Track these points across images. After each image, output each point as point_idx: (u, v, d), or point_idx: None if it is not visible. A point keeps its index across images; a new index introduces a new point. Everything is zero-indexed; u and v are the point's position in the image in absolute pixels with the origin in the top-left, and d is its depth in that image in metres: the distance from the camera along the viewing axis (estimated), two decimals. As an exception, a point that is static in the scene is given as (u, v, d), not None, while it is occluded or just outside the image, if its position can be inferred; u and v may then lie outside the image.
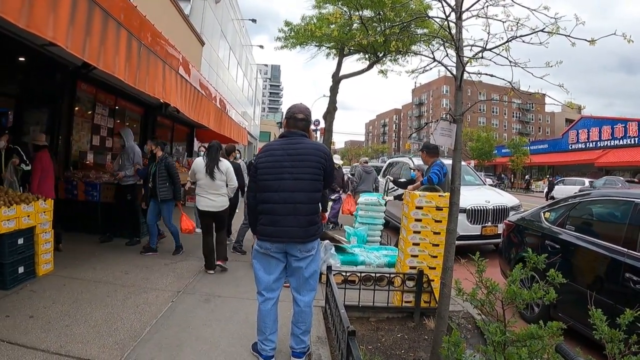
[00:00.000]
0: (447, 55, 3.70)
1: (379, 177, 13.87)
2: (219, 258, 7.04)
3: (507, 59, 3.26)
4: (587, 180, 32.98)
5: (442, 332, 3.41)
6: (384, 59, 18.70)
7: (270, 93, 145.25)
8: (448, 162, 7.12)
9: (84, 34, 4.17)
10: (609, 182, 29.77)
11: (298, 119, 3.95)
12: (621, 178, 31.76)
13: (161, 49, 6.22)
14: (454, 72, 3.42)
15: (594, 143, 45.58)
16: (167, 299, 5.44)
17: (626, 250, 4.44)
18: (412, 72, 4.03)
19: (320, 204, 6.02)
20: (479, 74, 3.50)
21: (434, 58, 3.55)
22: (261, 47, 39.69)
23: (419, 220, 5.39)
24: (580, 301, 4.77)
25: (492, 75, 3.40)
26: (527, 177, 52.06)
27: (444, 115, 3.70)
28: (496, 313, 2.59)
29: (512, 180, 52.84)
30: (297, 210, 3.71)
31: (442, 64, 3.53)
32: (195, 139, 18.21)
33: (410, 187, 7.12)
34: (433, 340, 3.60)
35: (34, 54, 7.20)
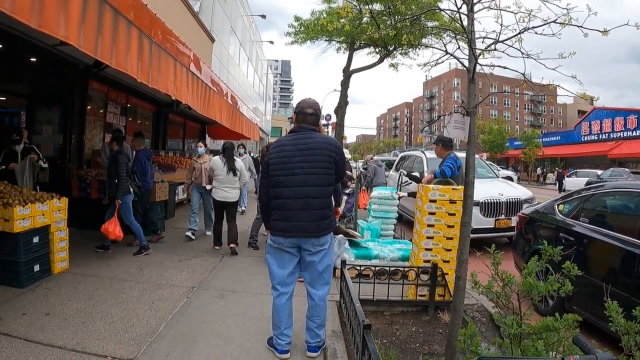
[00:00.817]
0: (459, 47, 3.68)
1: (391, 171, 13.83)
2: (231, 242, 7.89)
3: (519, 50, 3.22)
4: (599, 172, 32.81)
5: (457, 325, 3.39)
6: (395, 52, 18.60)
7: (281, 89, 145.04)
8: (462, 155, 7.07)
9: (96, 33, 4.17)
10: (615, 174, 30.42)
11: (307, 114, 3.95)
12: (627, 170, 32.09)
13: (172, 46, 6.23)
14: (467, 65, 3.39)
15: (606, 134, 45.13)
16: (182, 295, 5.47)
17: None
18: (424, 65, 4.00)
19: (332, 198, 6.05)
20: (491, 66, 3.47)
21: (446, 51, 3.51)
22: (271, 42, 39.81)
23: (433, 213, 5.38)
24: (595, 294, 4.72)
25: (504, 67, 3.36)
26: (539, 169, 51.64)
27: (456, 108, 3.66)
28: (512, 305, 2.57)
29: (521, 172, 52.39)
30: (309, 205, 3.73)
31: (455, 57, 3.50)
32: (207, 135, 18.27)
33: (424, 180, 7.10)
34: (448, 333, 3.58)
35: (44, 54, 7.26)
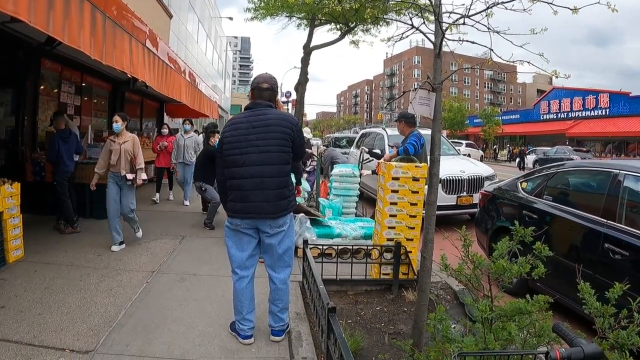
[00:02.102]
0: (424, 22, 3.60)
1: (352, 148, 13.76)
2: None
3: (487, 27, 3.16)
4: (545, 150, 34.44)
5: (424, 306, 3.37)
6: (356, 29, 18.46)
7: (241, 66, 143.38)
8: (425, 132, 7.06)
9: (47, 8, 3.96)
10: (559, 151, 33.00)
11: (263, 89, 3.80)
12: (570, 147, 34.77)
13: (127, 22, 5.98)
14: (433, 40, 3.31)
15: (565, 114, 46.20)
16: (141, 280, 5.32)
17: (605, 220, 4.42)
18: (389, 40, 3.91)
19: (293, 177, 5.95)
20: (460, 41, 3.39)
21: (412, 25, 3.42)
22: (230, 19, 38.99)
23: (396, 191, 5.33)
24: (558, 271, 4.78)
25: (473, 42, 3.29)
26: (496, 147, 52.71)
27: (421, 84, 3.57)
28: (482, 288, 2.53)
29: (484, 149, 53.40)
30: (265, 185, 3.60)
31: (421, 31, 3.42)
32: (165, 114, 17.84)
33: (386, 156, 7.06)
34: (415, 314, 3.57)
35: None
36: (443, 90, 3.53)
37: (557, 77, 3.11)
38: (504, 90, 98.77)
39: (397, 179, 5.33)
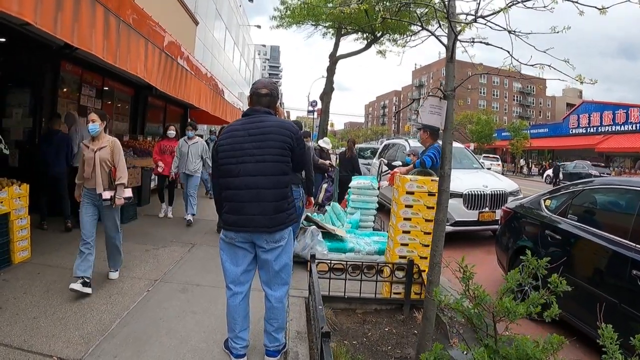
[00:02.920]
0: (440, 26, 3.38)
1: (374, 159, 13.56)
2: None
3: (503, 27, 2.92)
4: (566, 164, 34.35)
5: (428, 335, 3.13)
6: (382, 38, 18.34)
7: (270, 74, 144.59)
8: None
9: (55, 9, 3.91)
10: (578, 166, 33.75)
11: (261, 95, 3.59)
12: (588, 162, 34.97)
13: (143, 26, 5.95)
14: (445, 42, 3.08)
15: (595, 128, 45.18)
16: (142, 289, 5.17)
17: (634, 245, 4.04)
18: (404, 45, 3.73)
19: (304, 188, 5.72)
20: (472, 41, 3.15)
21: (422, 26, 3.20)
22: (258, 27, 38.82)
23: (410, 206, 5.07)
24: (582, 298, 4.47)
25: (487, 44, 3.05)
26: (523, 160, 51.86)
27: (432, 91, 3.32)
28: (485, 326, 2.26)
29: (508, 163, 52.71)
30: (261, 197, 3.39)
31: (433, 34, 3.20)
32: (189, 120, 17.88)
33: (402, 170, 6.81)
34: (418, 343, 3.33)
35: (13, 34, 6.89)
36: (471, 103, 3.30)
37: (582, 82, 2.85)
38: (533, 103, 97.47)
39: (411, 193, 5.07)
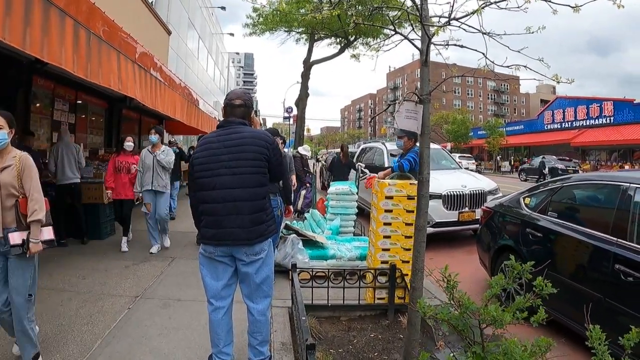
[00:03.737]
0: (413, 29, 3.38)
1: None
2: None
3: (477, 29, 2.93)
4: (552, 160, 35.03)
5: (414, 341, 3.12)
6: (356, 42, 18.43)
7: (245, 82, 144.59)
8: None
9: (23, 24, 3.84)
10: (544, 160, 35.23)
11: (235, 106, 3.55)
12: (554, 157, 36.30)
13: (115, 38, 5.87)
14: (419, 46, 3.08)
15: (569, 123, 45.77)
16: (123, 306, 5.07)
17: (615, 239, 4.06)
18: (378, 49, 3.75)
19: (282, 197, 5.68)
20: (445, 45, 3.15)
21: (395, 30, 3.19)
22: (231, 34, 38.71)
23: (390, 211, 5.07)
24: (566, 294, 4.50)
25: (461, 46, 3.06)
26: (499, 158, 52.49)
27: (407, 95, 3.30)
28: (471, 333, 2.25)
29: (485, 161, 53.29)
30: (239, 209, 3.33)
31: (406, 37, 3.19)
32: (165, 131, 17.69)
33: (380, 174, 6.81)
34: (404, 350, 3.31)
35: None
36: (446, 103, 3.30)
37: (558, 82, 2.87)
38: (508, 101, 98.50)
39: (390, 197, 5.06)
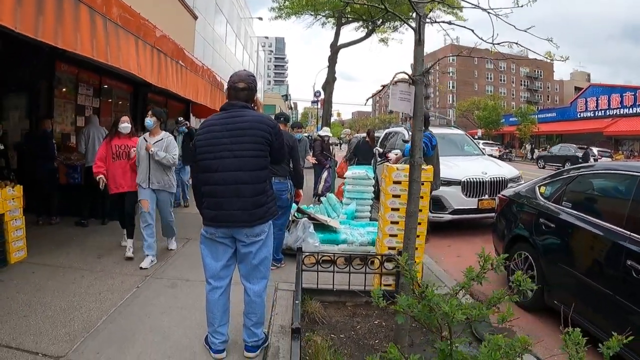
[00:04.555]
0: (414, 10, 3.32)
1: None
2: None
3: (476, 6, 2.87)
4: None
5: (403, 331, 3.11)
6: (383, 26, 18.24)
7: (276, 66, 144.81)
8: (442, 131, 6.55)
9: (36, 13, 3.92)
10: (564, 149, 36.48)
11: (239, 89, 3.55)
12: (574, 145, 36.43)
13: (133, 24, 5.92)
14: (412, 25, 3.03)
15: (602, 111, 44.67)
16: (132, 285, 5.19)
17: (628, 233, 3.85)
18: (381, 40, 3.67)
19: (293, 180, 5.69)
20: (431, 22, 3.11)
21: (386, 8, 3.12)
22: (260, 19, 38.54)
23: (397, 196, 5.01)
24: (576, 288, 4.39)
25: (450, 23, 3.04)
26: (528, 145, 51.42)
27: (395, 77, 3.25)
28: (440, 327, 2.21)
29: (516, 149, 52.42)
30: (241, 192, 3.39)
31: (399, 16, 3.16)
32: (191, 115, 17.83)
33: (391, 159, 6.75)
34: (393, 338, 3.30)
35: (5, 37, 6.91)
36: (478, 89, 3.24)
37: (552, 60, 2.81)
38: (541, 87, 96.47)
39: (398, 182, 5.00)
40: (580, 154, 32.45)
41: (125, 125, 6.65)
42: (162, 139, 6.21)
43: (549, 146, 45.31)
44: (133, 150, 6.39)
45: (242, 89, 3.56)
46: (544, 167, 35.07)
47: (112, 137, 6.66)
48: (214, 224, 3.47)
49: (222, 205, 3.42)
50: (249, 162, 3.41)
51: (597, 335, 3.86)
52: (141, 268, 5.78)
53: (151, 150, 5.98)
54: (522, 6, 2.70)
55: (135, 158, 6.26)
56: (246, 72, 3.75)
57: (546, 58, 2.87)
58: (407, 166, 5.03)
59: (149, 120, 6.28)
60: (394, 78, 3.17)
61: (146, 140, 6.15)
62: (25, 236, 5.97)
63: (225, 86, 3.70)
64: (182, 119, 8.38)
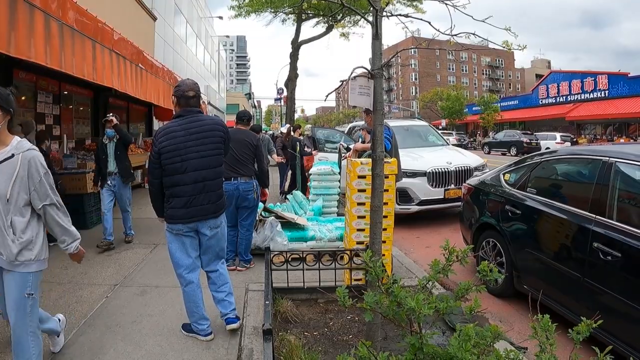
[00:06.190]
0: (377, 11, 3.34)
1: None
2: None
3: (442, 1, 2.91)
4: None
5: (375, 325, 3.14)
6: (343, 21, 18.29)
7: (238, 65, 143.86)
8: (395, 123, 6.59)
9: None
10: (508, 135, 37.49)
11: (190, 97, 3.91)
12: (518, 131, 38.33)
13: (89, 27, 5.85)
14: (369, 19, 3.05)
15: (564, 97, 45.60)
16: (101, 295, 5.09)
17: (594, 216, 3.96)
18: (342, 35, 3.68)
19: (258, 180, 5.79)
20: (389, 15, 3.15)
21: (342, 4, 3.13)
22: (220, 18, 38.16)
23: (363, 190, 5.03)
24: (545, 272, 4.50)
25: (406, 15, 3.09)
26: (492, 133, 52.39)
27: (358, 70, 3.26)
28: (407, 323, 2.24)
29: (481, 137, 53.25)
30: (207, 188, 3.84)
31: (354, 10, 3.17)
32: (154, 118, 17.57)
33: (353, 147, 6.81)
34: (365, 333, 3.33)
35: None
36: (441, 80, 3.26)
37: (510, 49, 2.89)
38: (502, 76, 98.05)
39: (363, 177, 5.03)
40: (525, 139, 33.66)
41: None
42: (11, 155, 2.78)
43: (493, 133, 46.34)
44: None
45: (192, 97, 3.93)
46: (489, 153, 36.55)
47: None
48: (184, 221, 3.81)
49: (191, 202, 3.77)
50: (212, 161, 3.87)
51: (568, 318, 3.98)
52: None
53: None
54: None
55: None
56: (191, 80, 4.09)
57: (504, 47, 2.94)
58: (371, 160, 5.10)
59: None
60: (352, 73, 3.19)
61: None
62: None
63: (173, 95, 3.83)
64: (110, 115, 6.96)
